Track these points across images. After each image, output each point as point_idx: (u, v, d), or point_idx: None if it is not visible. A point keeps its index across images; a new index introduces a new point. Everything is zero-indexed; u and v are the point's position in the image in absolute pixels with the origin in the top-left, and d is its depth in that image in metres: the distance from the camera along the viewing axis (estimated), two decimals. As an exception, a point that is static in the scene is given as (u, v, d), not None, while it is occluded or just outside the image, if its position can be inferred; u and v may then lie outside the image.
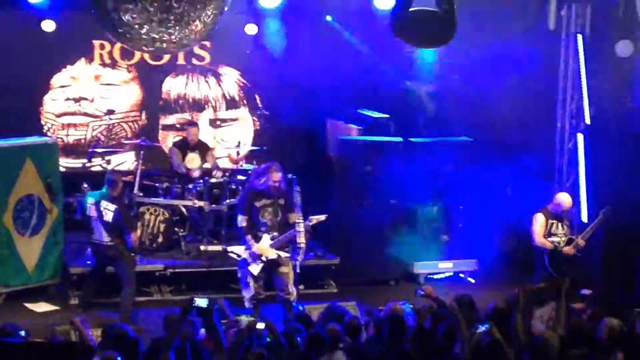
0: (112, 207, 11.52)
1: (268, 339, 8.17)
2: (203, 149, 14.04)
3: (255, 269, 11.28)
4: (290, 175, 11.66)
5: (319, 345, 8.22)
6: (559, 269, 11.59)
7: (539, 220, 11.72)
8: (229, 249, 11.75)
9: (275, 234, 11.27)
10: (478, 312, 8.80)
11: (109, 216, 11.52)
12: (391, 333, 8.41)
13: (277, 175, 11.24)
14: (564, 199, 11.88)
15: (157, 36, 8.88)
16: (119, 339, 7.95)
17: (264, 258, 11.25)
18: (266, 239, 11.24)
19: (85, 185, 12.67)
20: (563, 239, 11.69)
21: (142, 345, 7.95)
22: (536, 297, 8.99)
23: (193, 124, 14.57)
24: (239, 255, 11.43)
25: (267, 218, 11.33)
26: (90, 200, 11.71)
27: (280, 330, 8.49)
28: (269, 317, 9.48)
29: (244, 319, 9.68)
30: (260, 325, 8.23)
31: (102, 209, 11.55)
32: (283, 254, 11.27)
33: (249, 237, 11.28)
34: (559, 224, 11.72)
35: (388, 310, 8.71)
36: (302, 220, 11.01)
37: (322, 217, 11.43)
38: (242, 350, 8.12)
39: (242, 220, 11.36)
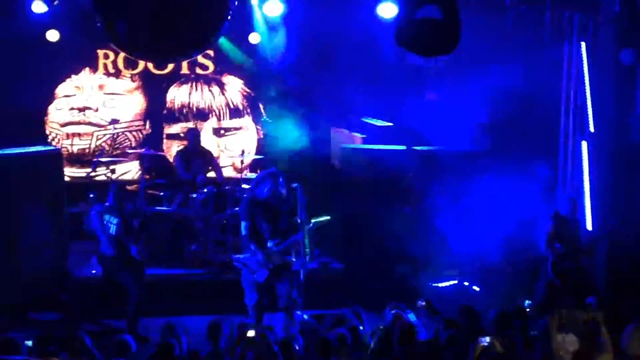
0: (115, 220, 11.53)
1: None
2: (207, 156, 14.05)
3: (261, 276, 11.28)
4: (294, 184, 11.65)
5: (325, 351, 8.22)
6: (562, 276, 11.59)
7: (547, 226, 11.71)
8: (235, 257, 11.73)
9: (278, 240, 11.28)
10: (481, 322, 8.81)
11: (112, 229, 11.54)
12: (399, 341, 8.41)
13: (277, 181, 11.26)
14: (566, 202, 11.89)
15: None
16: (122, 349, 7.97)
17: (270, 265, 11.25)
18: (270, 245, 11.24)
19: (92, 196, 12.64)
20: (569, 247, 11.67)
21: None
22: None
23: (194, 130, 14.60)
24: (244, 264, 11.41)
25: (269, 225, 11.33)
26: (95, 213, 11.72)
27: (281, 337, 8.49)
28: (273, 326, 9.55)
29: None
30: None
31: (105, 222, 11.58)
32: (288, 260, 11.28)
33: (252, 244, 11.29)
34: (567, 231, 11.69)
35: (390, 319, 8.72)
36: (305, 227, 11.02)
37: (326, 219, 11.41)
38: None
39: (245, 228, 11.35)
